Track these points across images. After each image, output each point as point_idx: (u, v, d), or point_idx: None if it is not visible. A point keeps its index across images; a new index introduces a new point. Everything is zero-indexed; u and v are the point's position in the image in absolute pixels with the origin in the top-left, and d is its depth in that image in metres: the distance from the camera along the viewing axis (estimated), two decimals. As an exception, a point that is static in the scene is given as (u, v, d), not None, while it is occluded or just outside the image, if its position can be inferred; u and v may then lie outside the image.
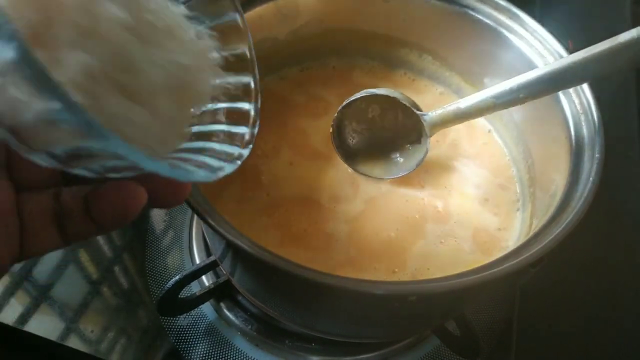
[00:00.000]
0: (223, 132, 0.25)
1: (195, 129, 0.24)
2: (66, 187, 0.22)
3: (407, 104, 0.39)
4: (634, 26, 0.29)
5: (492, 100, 0.36)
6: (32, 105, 0.15)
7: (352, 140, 0.42)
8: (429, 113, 0.39)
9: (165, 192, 0.22)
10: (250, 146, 0.24)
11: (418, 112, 0.39)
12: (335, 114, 0.41)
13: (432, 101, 0.48)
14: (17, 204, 0.20)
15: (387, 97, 0.39)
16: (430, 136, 0.40)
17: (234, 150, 0.24)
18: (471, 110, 0.37)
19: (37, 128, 0.17)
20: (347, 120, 0.41)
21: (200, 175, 0.20)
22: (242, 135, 0.25)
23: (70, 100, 0.14)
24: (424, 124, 0.39)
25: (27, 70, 0.14)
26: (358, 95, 0.40)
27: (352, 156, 0.42)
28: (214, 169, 0.21)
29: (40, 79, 0.14)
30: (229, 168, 0.22)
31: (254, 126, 0.25)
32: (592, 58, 0.30)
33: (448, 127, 0.39)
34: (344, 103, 0.40)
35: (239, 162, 0.23)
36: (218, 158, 0.23)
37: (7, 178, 0.21)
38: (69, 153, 0.17)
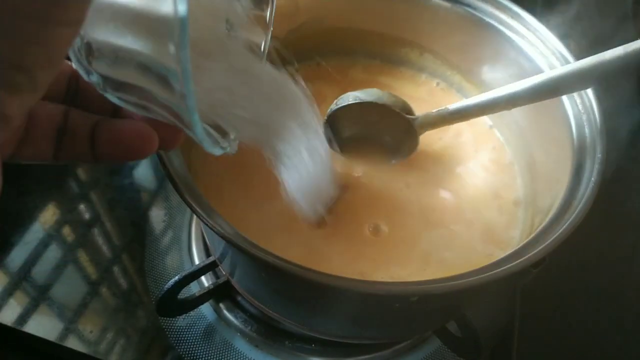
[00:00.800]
0: None
1: None
2: (74, 109, 0.22)
3: (397, 110, 0.39)
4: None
5: (478, 107, 0.36)
6: (140, 39, 0.16)
7: (345, 134, 0.42)
8: (419, 116, 0.39)
9: (164, 136, 0.22)
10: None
11: (408, 117, 0.39)
12: (326, 117, 0.41)
13: (432, 98, 0.48)
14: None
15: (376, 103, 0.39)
16: (420, 135, 0.40)
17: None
18: (458, 114, 0.37)
19: (123, 56, 0.17)
20: (338, 119, 0.41)
21: (216, 151, 0.22)
22: None
23: (187, 57, 0.15)
24: (415, 126, 0.39)
25: (170, 24, 0.15)
26: (347, 102, 0.39)
27: (345, 148, 0.42)
28: (223, 147, 0.23)
29: (181, 32, 0.15)
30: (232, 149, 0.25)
31: None
32: (575, 73, 0.31)
33: (438, 127, 0.40)
34: (334, 108, 0.40)
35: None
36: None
37: None
38: (123, 83, 0.18)
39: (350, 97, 0.39)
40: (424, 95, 0.48)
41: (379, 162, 0.42)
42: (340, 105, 0.40)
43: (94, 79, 0.19)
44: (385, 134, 0.41)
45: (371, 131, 0.42)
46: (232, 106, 0.25)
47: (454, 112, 0.38)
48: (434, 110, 0.39)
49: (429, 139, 0.44)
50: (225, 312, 0.46)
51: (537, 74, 0.38)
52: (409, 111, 0.40)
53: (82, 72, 0.19)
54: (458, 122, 0.38)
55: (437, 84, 0.48)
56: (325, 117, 0.41)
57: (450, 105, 0.38)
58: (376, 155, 0.42)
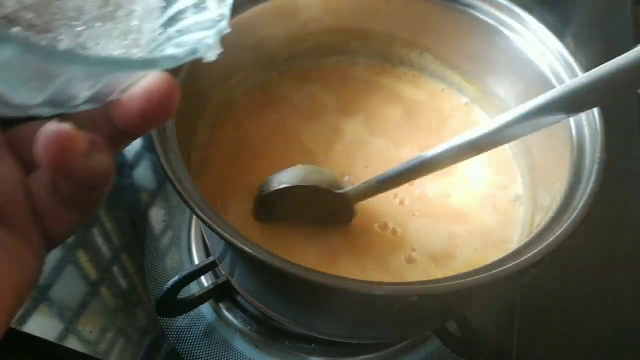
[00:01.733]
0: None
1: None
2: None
3: (325, 187, 0.36)
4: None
5: (408, 172, 0.34)
6: None
7: (280, 215, 0.38)
8: (349, 190, 0.36)
9: (150, 108, 0.19)
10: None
11: (339, 192, 0.36)
12: (257, 202, 0.38)
13: (431, 99, 0.48)
14: (27, 185, 0.19)
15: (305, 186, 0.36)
16: (355, 204, 0.37)
17: (212, 14, 0.21)
18: (389, 183, 0.35)
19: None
20: (269, 203, 0.37)
21: (189, 51, 0.18)
22: None
23: (24, 41, 0.14)
24: (347, 199, 0.37)
25: None
26: (271, 189, 0.36)
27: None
28: (203, 43, 0.19)
29: None
30: (216, 33, 0.20)
31: None
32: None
33: (372, 197, 0.36)
34: (260, 194, 0.37)
35: (224, 22, 0.20)
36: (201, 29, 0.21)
37: (11, 156, 0.19)
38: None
39: (274, 182, 0.36)
40: (424, 98, 0.48)
41: (318, 228, 0.39)
42: (266, 192, 0.36)
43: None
44: (321, 208, 0.37)
45: (306, 209, 0.38)
46: None
47: (383, 182, 0.35)
48: (362, 183, 0.36)
49: (428, 139, 0.44)
50: (225, 312, 0.46)
51: (535, 74, 0.38)
52: (338, 185, 0.36)
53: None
54: (390, 189, 0.35)
55: (442, 90, 0.48)
56: (257, 202, 0.38)
57: (379, 175, 0.35)
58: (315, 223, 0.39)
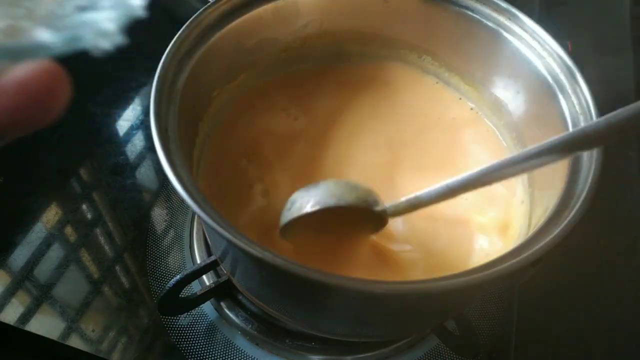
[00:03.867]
0: None
1: None
2: None
3: (365, 206, 0.33)
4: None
5: (450, 190, 0.32)
6: None
7: (303, 239, 0.36)
8: (388, 207, 0.33)
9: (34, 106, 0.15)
10: None
11: (378, 209, 0.33)
12: (279, 230, 0.34)
13: (431, 99, 0.48)
14: None
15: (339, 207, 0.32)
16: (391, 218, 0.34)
17: None
18: (429, 200, 0.32)
19: None
20: (293, 227, 0.34)
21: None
22: None
23: None
24: (384, 215, 0.34)
25: None
26: (304, 211, 0.32)
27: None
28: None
29: None
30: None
31: None
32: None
33: (411, 212, 0.34)
34: (289, 218, 0.33)
35: None
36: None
37: None
38: None
39: (306, 203, 0.32)
40: (425, 100, 0.48)
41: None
42: (296, 216, 0.33)
43: None
44: (352, 220, 0.35)
45: (333, 228, 0.35)
46: None
47: (421, 199, 0.33)
48: (403, 199, 0.33)
49: (427, 144, 0.45)
50: (226, 310, 0.46)
51: (533, 75, 0.39)
52: (376, 200, 0.33)
53: None
54: (427, 206, 0.33)
55: (437, 82, 0.48)
56: (279, 230, 0.34)
57: (420, 192, 0.33)
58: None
